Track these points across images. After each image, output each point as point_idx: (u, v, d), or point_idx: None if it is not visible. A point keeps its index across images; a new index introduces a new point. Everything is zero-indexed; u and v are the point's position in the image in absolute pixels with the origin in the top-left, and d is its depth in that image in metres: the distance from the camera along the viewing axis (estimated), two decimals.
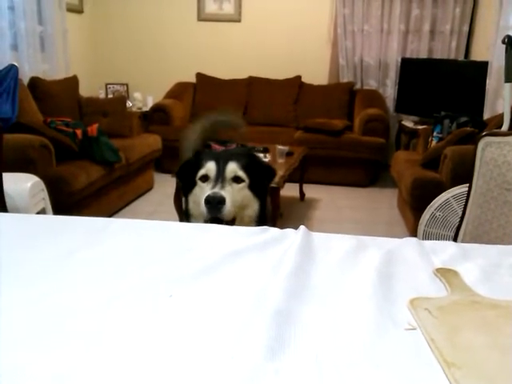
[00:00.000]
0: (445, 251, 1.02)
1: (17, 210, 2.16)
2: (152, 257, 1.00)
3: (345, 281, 0.89)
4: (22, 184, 2.30)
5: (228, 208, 1.41)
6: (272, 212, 3.09)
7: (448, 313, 0.77)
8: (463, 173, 1.81)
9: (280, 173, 3.23)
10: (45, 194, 2.49)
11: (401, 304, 0.80)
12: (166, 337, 0.71)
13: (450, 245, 1.07)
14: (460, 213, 1.96)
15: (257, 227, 1.13)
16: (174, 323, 0.75)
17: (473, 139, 3.38)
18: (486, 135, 1.66)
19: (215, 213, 1.40)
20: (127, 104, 4.56)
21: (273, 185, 3.01)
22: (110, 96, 5.19)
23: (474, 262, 0.98)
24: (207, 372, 0.63)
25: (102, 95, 5.19)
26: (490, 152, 1.62)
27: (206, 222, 1.44)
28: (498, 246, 1.10)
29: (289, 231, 1.10)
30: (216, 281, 0.89)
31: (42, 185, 2.46)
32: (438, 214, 2.64)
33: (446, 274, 0.90)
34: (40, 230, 1.13)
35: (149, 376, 0.62)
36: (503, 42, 2.76)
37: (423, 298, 0.81)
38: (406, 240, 1.08)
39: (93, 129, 3.21)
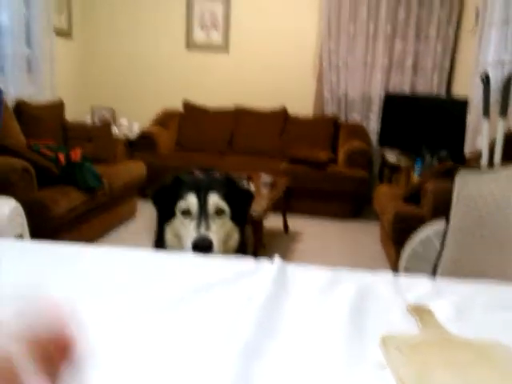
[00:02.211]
0: (419, 287, 1.02)
1: None
2: (122, 285, 0.98)
3: (317, 315, 0.88)
4: (0, 208, 2.26)
5: (216, 250, 1.35)
6: (254, 244, 3.09)
7: (418, 351, 0.76)
8: (444, 207, 1.83)
9: (263, 203, 3.24)
10: (23, 219, 2.45)
11: (372, 341, 0.80)
12: (130, 370, 0.70)
13: (424, 281, 1.07)
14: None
15: (233, 257, 1.12)
16: (139, 355, 0.73)
17: (453, 174, 3.45)
18: (462, 171, 1.69)
19: (202, 255, 1.32)
20: (113, 130, 4.56)
21: (255, 215, 3.01)
22: (96, 121, 5.20)
23: (448, 298, 0.98)
24: None
25: (88, 120, 5.20)
26: (467, 189, 1.64)
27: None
28: (473, 282, 1.10)
29: (263, 262, 1.10)
30: (186, 312, 0.87)
31: (20, 210, 2.42)
32: (418, 249, 2.65)
33: (418, 311, 0.90)
34: (12, 253, 1.11)
35: None
36: (481, 80, 2.85)
37: (394, 335, 0.81)
38: (381, 275, 1.08)
39: (76, 154, 3.20)
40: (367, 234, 4.29)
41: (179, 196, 1.50)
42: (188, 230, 1.41)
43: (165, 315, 0.86)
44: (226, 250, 1.48)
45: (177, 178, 1.59)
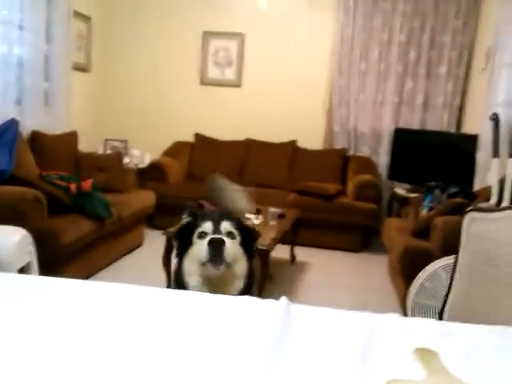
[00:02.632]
0: (427, 330, 1.01)
1: (1, 263, 2.14)
2: (126, 322, 0.98)
3: (322, 359, 0.87)
4: (9, 237, 2.28)
5: (228, 248, 1.57)
6: (261, 274, 3.08)
7: None
8: (453, 243, 1.82)
9: (271, 235, 3.24)
10: (32, 248, 2.47)
11: None
12: None
13: (432, 323, 1.06)
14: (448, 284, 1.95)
15: (239, 297, 1.12)
16: None
17: (462, 210, 3.43)
18: (471, 210, 1.68)
19: (216, 252, 1.55)
20: (124, 160, 4.62)
21: (262, 247, 3.01)
22: (109, 151, 5.27)
23: (456, 342, 0.97)
24: None
25: (100, 151, 5.28)
26: (475, 227, 1.64)
27: (204, 264, 1.58)
28: (481, 325, 1.09)
29: (270, 303, 1.09)
30: (191, 354, 0.87)
31: (29, 239, 2.44)
32: (426, 284, 2.62)
33: (424, 355, 0.89)
34: (21, 290, 1.12)
35: None
36: (491, 119, 2.87)
37: (399, 380, 0.80)
38: (388, 317, 1.07)
39: (87, 184, 3.24)
40: (375, 267, 4.25)
41: (197, 226, 1.72)
42: (203, 243, 1.61)
43: (171, 354, 0.86)
44: (232, 273, 1.65)
45: (194, 214, 1.83)
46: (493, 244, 1.57)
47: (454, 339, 0.99)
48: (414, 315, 2.68)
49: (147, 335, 0.93)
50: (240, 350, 0.88)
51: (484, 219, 1.63)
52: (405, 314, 2.80)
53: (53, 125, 4.24)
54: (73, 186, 3.15)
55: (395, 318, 1.07)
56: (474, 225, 1.65)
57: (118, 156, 4.32)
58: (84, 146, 4.49)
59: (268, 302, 1.10)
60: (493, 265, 1.56)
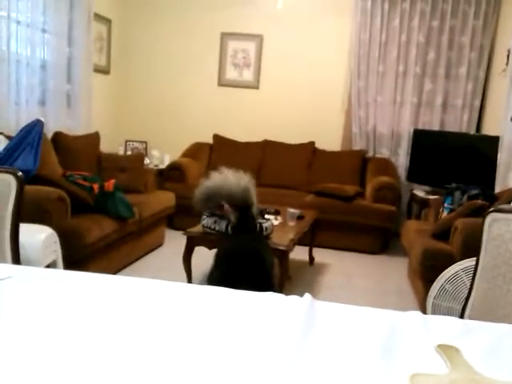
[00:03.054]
0: (448, 327, 1.03)
1: (28, 261, 2.20)
2: (153, 316, 1.01)
3: (346, 353, 0.89)
4: (36, 236, 2.35)
5: None
6: (280, 275, 3.10)
7: None
8: (474, 245, 1.81)
9: (290, 236, 3.26)
10: (57, 246, 2.53)
11: (401, 379, 0.80)
12: None
13: (453, 321, 1.07)
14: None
15: (263, 293, 1.14)
16: None
17: (483, 212, 3.41)
18: (492, 211, 1.68)
19: None
20: (145, 161, 4.69)
21: (281, 247, 3.03)
22: (129, 152, 5.36)
23: (477, 339, 0.98)
24: None
25: (121, 151, 5.36)
26: (497, 228, 1.63)
27: None
28: (503, 324, 1.09)
29: (293, 298, 1.12)
30: (216, 345, 0.90)
31: (55, 237, 2.51)
32: (447, 286, 2.62)
33: (447, 351, 0.90)
34: (49, 284, 1.16)
35: None
36: (511, 120, 2.84)
37: (423, 374, 0.81)
38: (410, 314, 1.08)
39: (109, 184, 3.30)
40: (394, 269, 4.24)
41: None
42: None
43: (193, 348, 0.89)
44: None
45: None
46: None
47: (475, 337, 1.00)
48: None
49: (170, 329, 0.95)
50: (265, 344, 0.91)
51: (506, 220, 1.63)
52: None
53: (75, 126, 4.33)
54: (95, 186, 3.21)
55: (417, 315, 1.08)
56: (495, 225, 1.65)
57: (139, 157, 4.38)
58: (105, 147, 4.57)
59: (292, 298, 1.12)
60: None
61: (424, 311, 2.84)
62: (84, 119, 4.49)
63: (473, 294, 1.72)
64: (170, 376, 0.79)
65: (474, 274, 1.72)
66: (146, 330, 0.95)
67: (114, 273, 3.47)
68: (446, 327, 1.03)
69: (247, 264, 2.06)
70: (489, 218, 1.69)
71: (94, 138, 4.25)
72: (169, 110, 5.65)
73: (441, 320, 1.07)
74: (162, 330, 0.95)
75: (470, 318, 1.71)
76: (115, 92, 5.54)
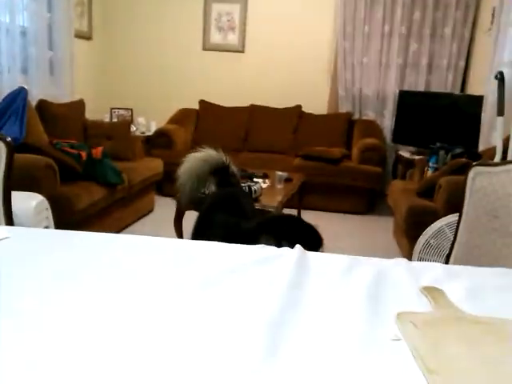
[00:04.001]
0: (432, 272, 1.08)
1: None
2: (151, 271, 1.05)
3: (337, 296, 0.95)
4: (27, 202, 2.36)
5: None
6: None
7: (432, 326, 0.82)
8: (457, 202, 1.87)
9: (278, 198, 3.30)
10: (48, 213, 2.55)
11: (388, 317, 0.86)
12: (166, 345, 0.76)
13: (437, 266, 1.13)
14: None
15: (254, 245, 1.19)
16: (171, 335, 0.79)
17: (467, 170, 3.48)
18: (476, 165, 1.74)
19: None
20: (131, 128, 4.66)
21: (270, 209, 3.08)
22: (115, 120, 5.31)
23: (460, 282, 1.04)
24: (205, 376, 0.68)
25: (106, 119, 5.31)
26: (480, 181, 1.69)
27: None
28: (486, 268, 1.16)
29: (285, 249, 1.16)
30: (213, 294, 0.94)
31: (46, 204, 2.52)
32: (431, 241, 2.70)
33: (431, 292, 0.96)
34: (46, 243, 1.19)
35: (150, 379, 0.67)
36: (496, 78, 2.88)
37: (409, 312, 0.87)
38: (396, 260, 1.14)
39: (97, 151, 3.30)
40: (380, 229, 4.33)
41: None
42: None
43: (191, 297, 0.93)
44: None
45: None
46: (495, 196, 1.63)
47: (459, 279, 1.06)
48: None
49: (163, 283, 0.99)
50: (257, 291, 0.95)
51: (488, 173, 1.69)
52: None
53: (59, 94, 4.27)
54: (83, 154, 3.21)
55: (402, 261, 1.14)
56: (478, 178, 1.71)
57: (125, 124, 4.36)
58: (90, 114, 4.52)
59: (283, 249, 1.17)
60: (495, 216, 1.62)
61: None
62: (68, 87, 4.42)
63: (456, 244, 1.79)
64: (166, 327, 0.83)
65: (458, 225, 1.79)
66: (143, 285, 0.98)
67: None
68: (430, 272, 1.09)
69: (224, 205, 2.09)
70: (472, 172, 1.74)
71: (79, 106, 4.21)
72: (154, 76, 5.58)
73: (426, 265, 1.13)
74: (158, 284, 0.99)
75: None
76: (98, 58, 5.44)
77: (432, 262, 1.14)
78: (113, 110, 5.42)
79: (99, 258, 1.10)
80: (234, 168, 2.44)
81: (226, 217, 1.84)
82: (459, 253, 1.78)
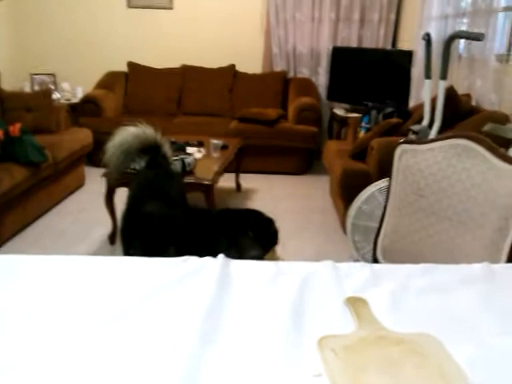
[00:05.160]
0: (358, 276, 1.08)
1: None
2: (59, 293, 0.99)
3: (258, 315, 0.92)
4: None
5: None
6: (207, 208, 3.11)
7: (353, 352, 0.82)
8: (389, 164, 1.86)
9: (214, 168, 3.23)
10: None
11: (310, 344, 0.84)
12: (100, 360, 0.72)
13: (363, 268, 1.13)
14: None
15: (176, 258, 1.13)
16: (87, 362, 0.76)
17: (398, 130, 3.53)
18: (402, 143, 1.74)
19: None
20: (54, 96, 4.36)
21: (206, 182, 3.01)
22: (36, 88, 4.94)
23: (384, 286, 1.04)
24: None
25: (26, 88, 4.93)
26: (405, 159, 1.70)
27: None
28: (407, 266, 1.17)
29: (208, 261, 1.12)
30: (130, 322, 0.89)
31: None
32: (364, 207, 2.75)
33: (355, 305, 0.95)
34: None
35: None
36: (423, 39, 2.87)
37: (331, 336, 0.85)
38: (322, 265, 1.12)
39: (15, 128, 3.06)
40: (317, 188, 4.38)
41: None
42: None
43: (111, 324, 0.88)
44: None
45: None
46: (421, 175, 1.64)
47: (382, 284, 1.06)
48: (353, 236, 2.84)
49: (90, 302, 0.94)
50: (178, 315, 0.92)
51: (414, 151, 1.69)
52: (345, 233, 2.97)
53: None
54: (0, 133, 2.97)
55: (329, 265, 1.12)
56: (404, 157, 1.71)
57: (46, 92, 4.06)
58: (8, 84, 4.17)
59: (206, 261, 1.12)
60: (420, 195, 1.64)
61: (345, 229, 3.00)
62: None
63: (384, 222, 1.82)
64: (87, 350, 0.78)
65: (386, 203, 1.81)
66: (59, 310, 0.92)
67: (33, 220, 3.33)
68: (355, 276, 1.08)
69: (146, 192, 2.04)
70: (398, 150, 1.75)
71: None
72: (76, 37, 5.18)
73: (351, 268, 1.12)
74: (79, 306, 0.94)
75: (383, 247, 1.82)
76: (12, 20, 4.97)
77: (358, 264, 1.14)
78: (33, 77, 5.03)
79: (29, 283, 1.03)
80: (166, 149, 2.35)
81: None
82: (388, 230, 1.81)
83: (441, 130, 2.66)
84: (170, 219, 1.66)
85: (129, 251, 1.77)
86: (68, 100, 4.84)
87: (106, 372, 0.75)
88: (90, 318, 0.90)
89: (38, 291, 1.01)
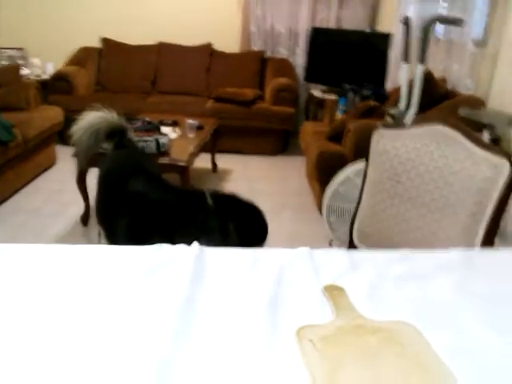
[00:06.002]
0: (335, 263, 1.07)
1: None
2: (25, 283, 0.96)
3: (234, 306, 0.90)
4: None
5: None
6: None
7: (331, 343, 0.80)
8: (365, 147, 1.85)
9: (190, 149, 3.18)
10: None
11: (289, 335, 0.83)
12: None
13: (340, 255, 1.12)
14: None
15: (150, 246, 1.10)
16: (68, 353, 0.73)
17: (375, 113, 3.53)
18: (380, 127, 1.72)
19: None
20: (23, 72, 4.21)
21: (181, 163, 2.96)
22: (3, 63, 4.75)
23: (362, 273, 1.03)
24: None
25: None
26: (383, 144, 1.69)
27: None
28: (384, 253, 1.16)
29: (181, 249, 1.09)
30: (101, 314, 0.87)
31: None
32: (340, 189, 2.75)
33: (332, 293, 0.94)
34: None
35: None
36: (402, 23, 2.86)
37: (309, 326, 0.84)
38: (298, 252, 1.11)
39: None
40: (293, 169, 4.37)
41: None
42: None
43: (88, 313, 0.86)
44: None
45: None
46: (398, 160, 1.64)
47: (360, 271, 1.05)
48: (329, 217, 2.85)
49: (58, 294, 0.91)
50: (151, 308, 0.89)
51: (391, 136, 1.68)
52: (321, 214, 2.97)
53: None
54: None
55: (305, 252, 1.11)
56: (381, 142, 1.70)
57: (14, 68, 3.91)
58: None
59: (180, 249, 1.09)
60: (397, 180, 1.64)
61: (321, 210, 3.01)
62: None
63: (361, 206, 1.82)
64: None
65: (362, 187, 1.80)
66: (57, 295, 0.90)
67: (3, 200, 3.24)
68: (332, 264, 1.07)
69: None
70: (376, 135, 1.73)
71: None
72: (48, 10, 4.97)
73: (328, 256, 1.11)
74: (55, 295, 0.91)
75: (359, 230, 1.82)
76: None
77: (334, 251, 1.13)
78: (1, 51, 4.83)
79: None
80: (131, 134, 2.36)
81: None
82: (364, 214, 1.81)
83: (417, 114, 2.67)
84: (164, 202, 1.58)
85: (115, 233, 1.69)
86: (38, 76, 4.67)
87: (75, 364, 0.74)
88: (59, 311, 0.87)
89: (10, 281, 0.98)
